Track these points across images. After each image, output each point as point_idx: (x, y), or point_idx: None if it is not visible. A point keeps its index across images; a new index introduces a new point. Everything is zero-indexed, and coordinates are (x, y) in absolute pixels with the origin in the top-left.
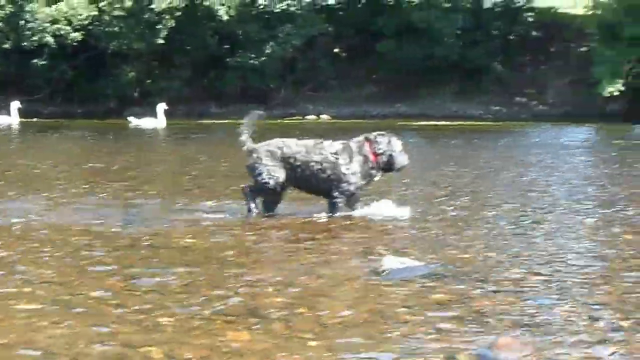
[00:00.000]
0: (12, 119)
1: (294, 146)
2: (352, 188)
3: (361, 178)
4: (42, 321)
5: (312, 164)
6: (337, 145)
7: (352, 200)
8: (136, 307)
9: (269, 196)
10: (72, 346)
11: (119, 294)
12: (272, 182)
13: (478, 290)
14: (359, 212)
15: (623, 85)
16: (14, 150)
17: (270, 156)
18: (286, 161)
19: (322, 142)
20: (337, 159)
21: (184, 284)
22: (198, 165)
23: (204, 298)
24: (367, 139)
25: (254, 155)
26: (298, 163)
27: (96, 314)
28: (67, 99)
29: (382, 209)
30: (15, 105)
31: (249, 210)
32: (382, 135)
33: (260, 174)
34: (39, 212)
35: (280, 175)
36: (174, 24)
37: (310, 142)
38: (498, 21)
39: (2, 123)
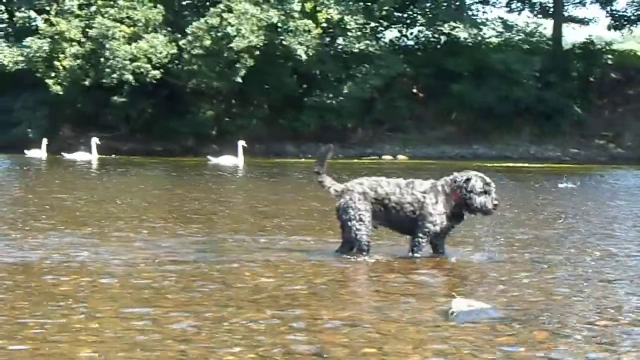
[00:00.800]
0: (92, 155)
1: (387, 186)
2: (437, 229)
3: (446, 219)
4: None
5: (406, 204)
6: (426, 184)
7: (436, 240)
8: (200, 345)
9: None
10: None
11: (183, 332)
12: (365, 230)
13: (546, 334)
14: (436, 253)
15: None
16: (93, 186)
17: (363, 198)
18: (380, 202)
19: (413, 182)
20: (424, 198)
21: (249, 322)
22: (276, 204)
23: (270, 337)
24: (452, 179)
25: (346, 197)
26: (392, 204)
27: (161, 348)
28: (146, 136)
29: (458, 252)
30: (94, 141)
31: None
32: (464, 174)
33: (351, 220)
34: (114, 248)
35: (371, 219)
36: (252, 63)
37: (402, 181)
38: (577, 63)
39: (82, 159)
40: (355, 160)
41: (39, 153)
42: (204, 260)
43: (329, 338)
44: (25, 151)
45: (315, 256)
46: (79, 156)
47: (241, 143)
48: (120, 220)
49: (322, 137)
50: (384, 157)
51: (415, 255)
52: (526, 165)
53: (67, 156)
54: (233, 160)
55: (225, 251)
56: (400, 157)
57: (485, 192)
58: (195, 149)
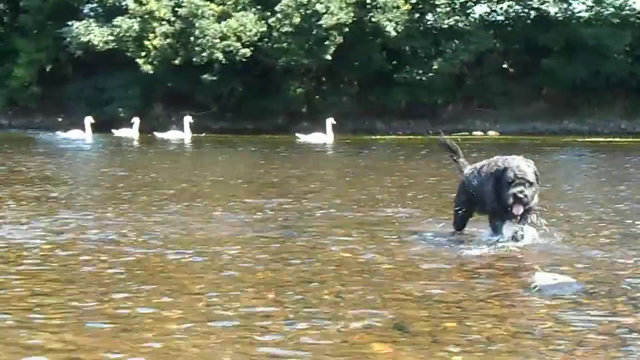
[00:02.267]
0: (185, 134)
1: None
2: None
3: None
4: (192, 332)
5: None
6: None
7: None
8: (282, 319)
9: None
10: (219, 358)
11: (268, 306)
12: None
13: (630, 308)
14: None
15: None
16: (188, 164)
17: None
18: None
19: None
20: None
21: (335, 296)
22: (366, 180)
23: (352, 311)
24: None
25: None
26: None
27: (241, 326)
28: (236, 114)
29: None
30: (187, 120)
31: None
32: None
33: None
34: (204, 224)
35: None
36: (341, 40)
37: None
38: None
39: (175, 138)
40: (446, 137)
41: (129, 132)
42: (292, 236)
43: (410, 312)
44: (114, 130)
45: (402, 231)
46: (172, 135)
47: (330, 120)
48: (216, 197)
49: (411, 113)
50: (474, 133)
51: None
52: (617, 140)
53: (160, 135)
54: (322, 138)
55: (313, 226)
56: (491, 133)
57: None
58: (285, 127)
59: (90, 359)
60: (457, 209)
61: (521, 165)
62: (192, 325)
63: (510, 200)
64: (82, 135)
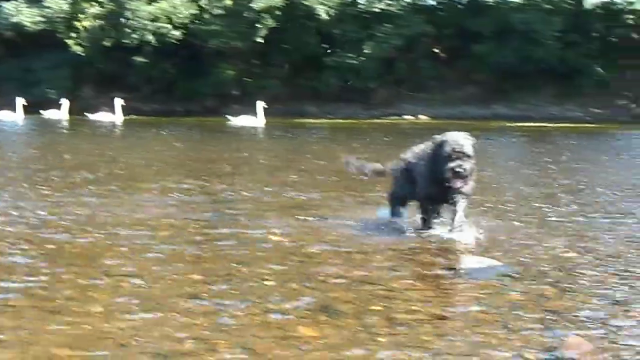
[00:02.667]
0: (116, 116)
1: None
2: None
3: None
4: (117, 313)
5: None
6: None
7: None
8: (210, 301)
9: None
10: (143, 339)
11: (194, 287)
12: None
13: (554, 291)
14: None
15: None
16: (118, 146)
17: None
18: None
19: None
20: None
21: (260, 279)
22: (294, 163)
23: (278, 294)
24: None
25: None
26: None
27: (167, 308)
28: (167, 96)
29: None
30: (118, 102)
31: None
32: None
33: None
34: (133, 206)
35: None
36: (273, 23)
37: None
38: (598, 23)
39: (106, 120)
40: (377, 121)
41: (57, 114)
42: (219, 218)
43: (336, 295)
44: (42, 111)
45: (329, 215)
46: (103, 117)
47: (261, 103)
48: (145, 180)
49: (343, 97)
50: (405, 117)
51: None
52: (546, 125)
53: (91, 117)
54: (253, 120)
55: (241, 209)
56: (422, 117)
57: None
58: (216, 110)
59: (14, 339)
60: (393, 196)
61: (459, 138)
62: (118, 307)
63: (448, 175)
64: (13, 117)
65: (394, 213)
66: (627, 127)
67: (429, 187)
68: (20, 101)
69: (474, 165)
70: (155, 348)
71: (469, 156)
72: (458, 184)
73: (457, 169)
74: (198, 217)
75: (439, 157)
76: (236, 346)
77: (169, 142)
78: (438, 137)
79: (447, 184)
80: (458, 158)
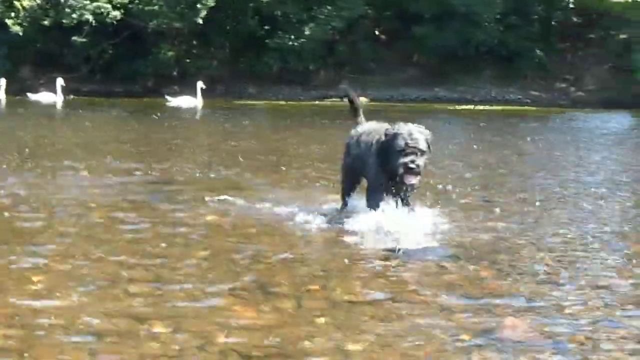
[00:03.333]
0: (57, 96)
1: None
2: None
3: None
4: (52, 292)
5: None
6: None
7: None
8: (146, 282)
9: None
10: (78, 318)
11: (131, 268)
12: None
13: (492, 272)
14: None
15: None
16: (58, 126)
17: None
18: None
19: None
20: None
21: (196, 259)
22: (231, 145)
23: (216, 274)
24: None
25: None
26: None
27: (105, 287)
28: (107, 77)
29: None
30: (59, 82)
31: None
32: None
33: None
34: (72, 186)
35: None
36: (213, 4)
37: None
38: (538, 6)
39: (47, 100)
40: (317, 102)
41: None
42: (155, 199)
43: (274, 275)
44: None
45: (267, 196)
46: (44, 97)
47: (200, 84)
48: (83, 160)
49: (283, 79)
50: (345, 99)
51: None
52: (487, 108)
53: (32, 97)
54: (192, 101)
55: (179, 189)
56: (362, 99)
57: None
58: (156, 90)
59: None
60: (343, 177)
61: (413, 132)
62: (53, 287)
63: (401, 170)
64: None
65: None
66: (567, 110)
67: (377, 178)
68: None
69: (427, 160)
70: (90, 327)
71: (422, 151)
72: (411, 180)
73: (410, 165)
74: (134, 197)
75: (391, 150)
76: (172, 326)
77: (107, 123)
78: (391, 129)
79: (398, 179)
80: (412, 153)
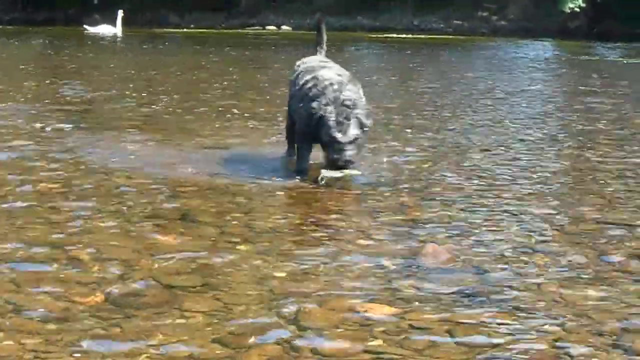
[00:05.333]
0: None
1: None
2: None
3: None
4: None
5: None
6: None
7: None
8: (67, 210)
9: None
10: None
11: (51, 196)
12: None
13: (413, 199)
14: None
15: (584, 1)
16: None
17: None
18: None
19: None
20: None
21: (117, 187)
22: (151, 75)
23: (137, 202)
24: None
25: None
26: None
27: (25, 215)
28: (28, 4)
29: None
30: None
31: None
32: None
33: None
34: None
35: None
36: None
37: None
38: None
39: None
40: (239, 31)
41: None
42: (78, 128)
43: (195, 203)
44: None
45: (192, 125)
46: None
47: (120, 12)
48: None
49: (206, 6)
50: (268, 27)
51: None
52: (409, 36)
53: None
54: (111, 30)
55: (100, 119)
56: (284, 27)
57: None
58: (77, 19)
59: None
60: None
61: (352, 91)
62: None
63: (333, 156)
64: None
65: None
66: (490, 39)
67: (301, 140)
68: None
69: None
70: (8, 256)
71: (363, 125)
72: (335, 174)
73: (341, 161)
74: (59, 125)
75: (322, 121)
76: (95, 254)
77: (24, 52)
78: (317, 76)
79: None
80: (347, 119)
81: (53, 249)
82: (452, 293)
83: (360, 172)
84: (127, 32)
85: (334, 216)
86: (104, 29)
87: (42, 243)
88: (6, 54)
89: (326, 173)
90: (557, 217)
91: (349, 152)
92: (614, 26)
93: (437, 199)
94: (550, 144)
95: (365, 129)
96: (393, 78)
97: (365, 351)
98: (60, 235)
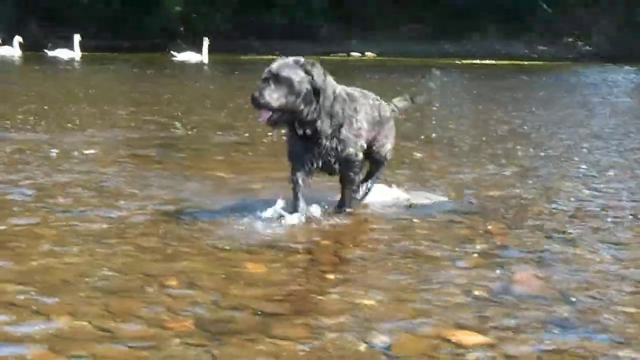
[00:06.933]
0: (74, 52)
1: None
2: None
3: None
4: (63, 249)
5: None
6: None
7: None
8: (157, 238)
9: None
10: (90, 275)
11: (143, 223)
12: None
13: (502, 227)
14: None
15: None
16: (80, 83)
17: None
18: None
19: None
20: None
21: (208, 214)
22: (236, 101)
23: (229, 231)
24: None
25: None
26: None
27: (118, 242)
28: (113, 32)
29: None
30: (77, 38)
31: None
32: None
33: None
34: (83, 142)
35: None
36: None
37: None
38: None
39: (65, 56)
40: (324, 57)
41: (10, 50)
42: (167, 154)
43: (284, 230)
44: None
45: (275, 151)
46: (62, 53)
47: (206, 39)
48: (95, 116)
49: (290, 34)
50: (352, 54)
51: None
52: (494, 62)
53: (50, 53)
54: (197, 57)
55: (184, 147)
56: (369, 54)
57: None
58: (163, 46)
59: None
60: None
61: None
62: (64, 244)
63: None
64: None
65: None
66: (575, 65)
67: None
68: (17, 38)
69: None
70: (102, 284)
71: (278, 80)
72: (258, 115)
73: (254, 94)
74: (146, 152)
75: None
76: (185, 281)
77: (119, 78)
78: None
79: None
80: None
81: (145, 275)
82: (544, 321)
83: (447, 198)
84: (213, 59)
85: (422, 245)
86: (190, 56)
87: (133, 270)
88: (95, 80)
89: (414, 199)
90: None
91: None
92: None
93: (526, 225)
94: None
95: None
96: (480, 106)
97: None
98: (151, 262)
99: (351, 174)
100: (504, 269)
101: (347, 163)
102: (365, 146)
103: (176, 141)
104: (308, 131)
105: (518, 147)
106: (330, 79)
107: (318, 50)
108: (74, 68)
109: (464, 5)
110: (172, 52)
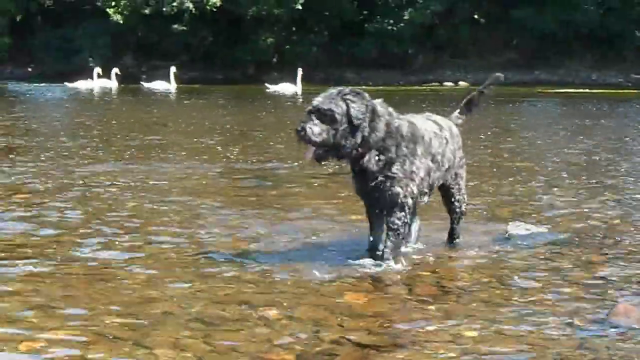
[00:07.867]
0: (170, 84)
1: None
2: None
3: None
4: (162, 280)
5: None
6: None
7: None
8: (258, 268)
9: None
10: (191, 306)
11: (239, 256)
12: None
13: (601, 257)
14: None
15: None
16: (179, 114)
17: None
18: None
19: None
20: None
21: (307, 248)
22: None
23: (327, 261)
24: None
25: None
26: None
27: (216, 274)
28: (207, 64)
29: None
30: (172, 70)
31: None
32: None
33: None
34: (181, 174)
35: None
36: None
37: None
38: None
39: (161, 88)
40: (416, 87)
41: (108, 83)
42: (264, 185)
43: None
44: (88, 80)
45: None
46: (158, 85)
47: (299, 71)
48: (193, 147)
49: (382, 63)
50: (445, 83)
51: None
52: (587, 90)
53: (146, 85)
54: (291, 88)
55: (284, 176)
56: (462, 83)
57: None
58: (256, 77)
59: (62, 306)
60: None
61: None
62: (163, 274)
63: None
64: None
65: None
66: None
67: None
68: (114, 70)
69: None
70: (200, 314)
71: (323, 114)
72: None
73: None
74: (245, 184)
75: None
76: (284, 313)
77: (212, 109)
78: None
79: None
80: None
81: (244, 307)
82: None
83: (546, 229)
84: (307, 90)
85: (521, 275)
86: (285, 87)
87: (233, 301)
88: (195, 112)
89: (512, 230)
90: None
91: None
92: None
93: (625, 255)
94: None
95: None
96: (573, 132)
97: None
98: (250, 294)
99: (395, 220)
100: (604, 300)
101: (392, 205)
102: (416, 192)
103: (273, 172)
104: (356, 167)
105: (617, 177)
106: (384, 110)
107: (410, 79)
108: (171, 99)
109: (555, 32)
110: (265, 84)
